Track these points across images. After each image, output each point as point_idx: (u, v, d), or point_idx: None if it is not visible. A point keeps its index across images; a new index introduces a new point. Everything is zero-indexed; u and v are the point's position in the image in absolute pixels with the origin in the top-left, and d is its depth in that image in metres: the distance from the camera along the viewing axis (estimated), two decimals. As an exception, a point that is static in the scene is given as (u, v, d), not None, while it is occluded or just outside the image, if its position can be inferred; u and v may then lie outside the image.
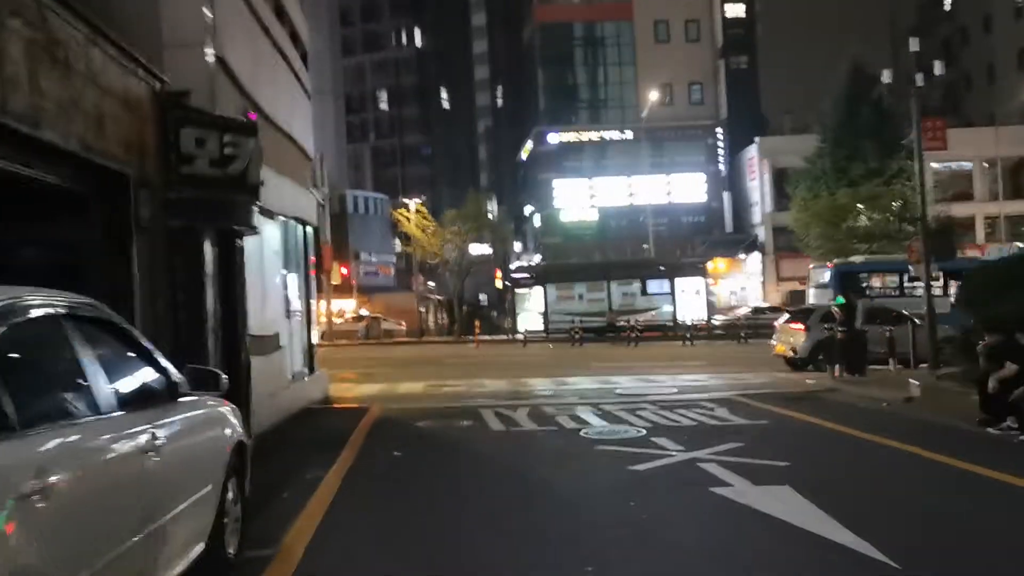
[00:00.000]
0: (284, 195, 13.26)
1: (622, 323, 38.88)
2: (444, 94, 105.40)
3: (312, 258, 17.06)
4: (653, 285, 41.69)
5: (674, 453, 8.80)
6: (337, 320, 48.67)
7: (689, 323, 36.11)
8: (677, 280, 41.74)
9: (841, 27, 62.80)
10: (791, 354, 21.21)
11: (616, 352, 31.26)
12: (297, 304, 15.02)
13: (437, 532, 6.02)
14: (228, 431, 5.08)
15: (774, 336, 22.56)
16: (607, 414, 12.19)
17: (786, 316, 22.85)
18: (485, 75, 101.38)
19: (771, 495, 6.73)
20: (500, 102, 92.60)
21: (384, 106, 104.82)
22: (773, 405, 12.94)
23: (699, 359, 26.24)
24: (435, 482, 7.72)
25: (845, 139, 44.91)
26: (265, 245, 11.94)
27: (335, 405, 15.02)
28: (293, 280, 14.83)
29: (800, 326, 21.11)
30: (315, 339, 16.46)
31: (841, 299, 18.84)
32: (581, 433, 10.46)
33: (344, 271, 50.36)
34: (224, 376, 4.77)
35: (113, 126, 6.98)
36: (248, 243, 10.67)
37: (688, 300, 41.64)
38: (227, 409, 5.22)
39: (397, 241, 60.06)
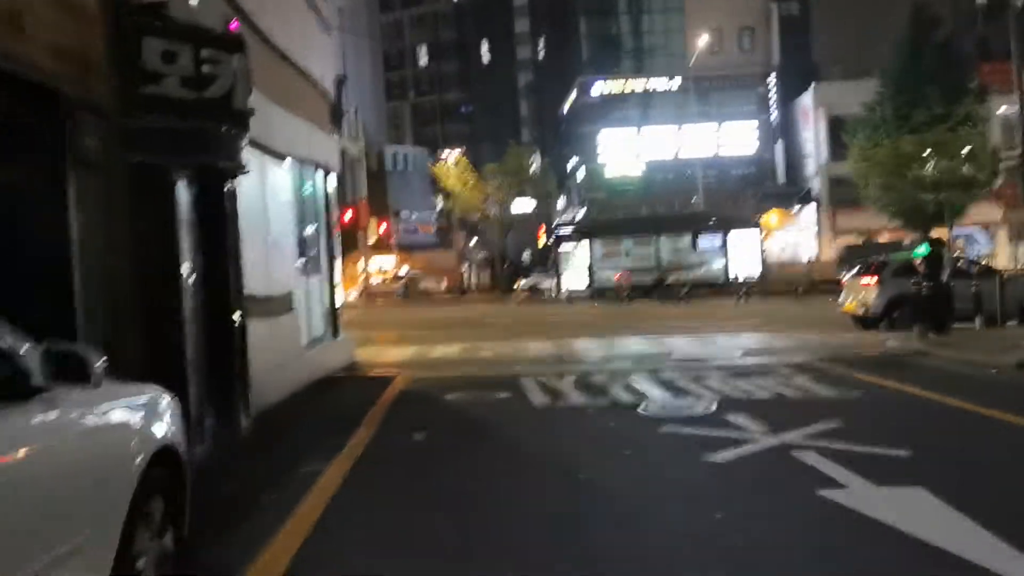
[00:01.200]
0: (295, 134, 11.66)
1: (672, 279, 37.04)
2: (484, 48, 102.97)
3: (336, 211, 15.53)
4: (704, 239, 39.65)
5: (758, 436, 7.11)
6: (376, 279, 47.44)
7: (743, 280, 34.05)
8: (730, 234, 39.58)
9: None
10: (862, 312, 19.27)
11: (666, 311, 29.46)
12: (317, 260, 13.49)
13: (456, 566, 4.43)
14: (137, 441, 3.46)
15: (842, 292, 20.60)
16: (667, 384, 10.52)
17: (856, 270, 20.84)
18: (525, 28, 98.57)
19: (906, 503, 5.04)
20: (541, 55, 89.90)
21: (423, 62, 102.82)
22: (858, 371, 11.15)
23: (757, 317, 24.39)
24: (458, 483, 6.10)
25: (907, 84, 42.21)
26: (270, 191, 10.37)
27: (359, 373, 13.53)
28: (311, 233, 13.29)
29: (872, 280, 19.14)
30: (340, 299, 14.96)
31: (925, 248, 16.82)
32: (640, 409, 8.81)
33: (383, 228, 49.02)
34: (96, 362, 3.14)
35: (37, 26, 5.38)
36: (246, 188, 9.10)
37: (741, 255, 39.52)
38: (146, 401, 3.62)
39: (439, 199, 58.46)
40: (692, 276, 35.77)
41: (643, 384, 10.53)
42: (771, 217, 49.27)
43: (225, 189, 7.75)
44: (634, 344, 16.82)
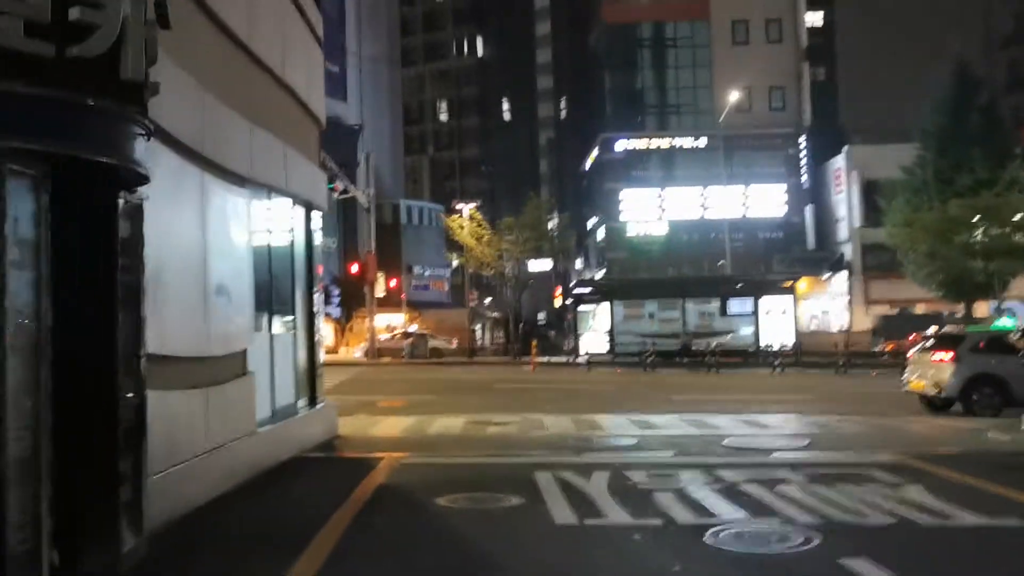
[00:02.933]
0: (263, 156, 9.29)
1: (698, 346, 34.37)
2: (505, 105, 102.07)
3: (321, 257, 13.11)
4: (734, 304, 37.00)
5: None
6: (384, 335, 44.91)
7: (777, 348, 31.27)
8: (761, 299, 36.94)
9: (922, 36, 57.90)
10: (933, 392, 16.59)
11: (696, 381, 26.77)
12: (290, 314, 11.01)
13: None
14: None
15: (908, 368, 17.91)
16: (731, 489, 7.88)
17: (926, 344, 18.15)
18: (548, 85, 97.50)
19: None
20: (563, 114, 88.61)
21: (444, 117, 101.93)
22: (981, 478, 8.47)
23: (801, 392, 21.67)
24: None
25: (950, 147, 39.97)
26: (216, 223, 7.91)
27: (336, 453, 10.94)
28: (284, 280, 10.84)
29: (947, 356, 16.46)
30: (320, 359, 12.44)
31: (1011, 320, 14.20)
32: (707, 538, 6.15)
33: (393, 283, 46.66)
34: None
35: None
36: (172, 213, 6.69)
37: (773, 322, 36.82)
38: None
39: (453, 255, 56.25)
40: (720, 343, 33.03)
41: (700, 489, 7.89)
42: (800, 284, 46.71)
43: (119, 204, 5.29)
44: (671, 424, 14.15)
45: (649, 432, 12.95)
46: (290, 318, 11.01)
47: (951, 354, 16.35)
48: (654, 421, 14.50)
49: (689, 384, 25.13)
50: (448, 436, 12.69)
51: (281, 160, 10.22)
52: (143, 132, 5.12)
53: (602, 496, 7.60)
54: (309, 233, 12.04)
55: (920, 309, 47.93)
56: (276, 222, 10.43)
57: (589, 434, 12.67)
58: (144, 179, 5.30)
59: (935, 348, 17.09)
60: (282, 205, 10.70)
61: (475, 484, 8.22)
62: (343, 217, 56.26)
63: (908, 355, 18.55)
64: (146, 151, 5.31)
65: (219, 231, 7.94)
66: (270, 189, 9.95)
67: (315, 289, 12.27)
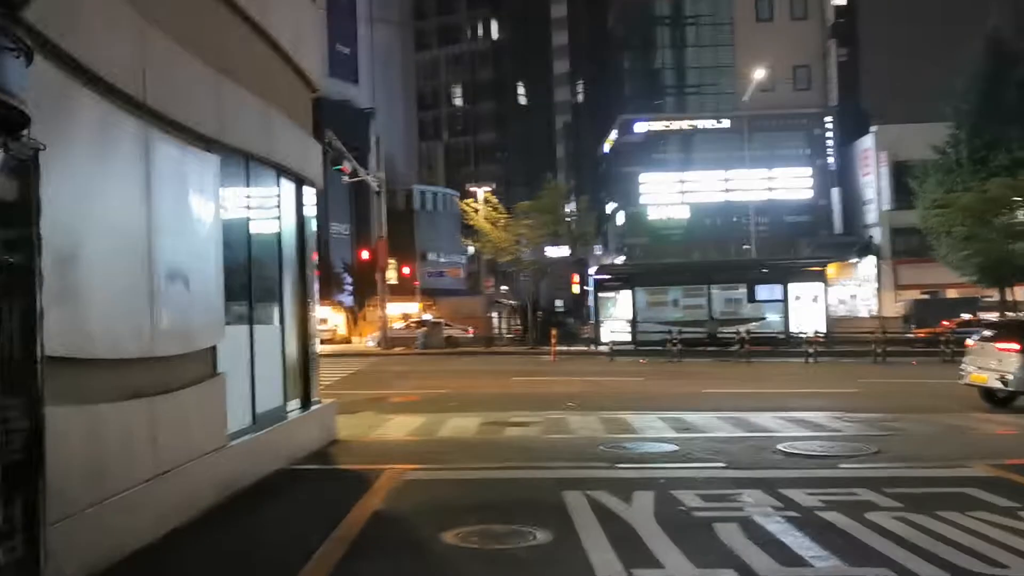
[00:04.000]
0: (236, 114, 7.78)
1: (726, 334, 32.72)
2: (521, 89, 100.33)
3: (313, 239, 11.65)
4: (762, 290, 35.26)
5: None
6: (398, 324, 43.50)
7: (810, 336, 29.55)
8: (790, 285, 35.19)
9: (948, 14, 55.88)
10: (998, 385, 14.93)
11: (726, 371, 25.18)
12: (275, 304, 9.53)
13: None
14: None
15: (966, 359, 16.25)
16: (810, 519, 6.35)
17: (987, 333, 16.49)
18: (564, 69, 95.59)
19: None
20: (580, 97, 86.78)
21: (458, 102, 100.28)
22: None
23: (842, 384, 20.07)
24: None
25: (985, 125, 38.10)
26: (167, 191, 6.40)
27: (330, 464, 9.46)
28: (269, 264, 9.36)
29: (1014, 346, 14.81)
30: (315, 354, 10.97)
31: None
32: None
33: (406, 271, 45.22)
34: None
35: None
36: (110, 171, 5.20)
37: (802, 308, 35.09)
38: None
39: (469, 242, 54.76)
40: (750, 330, 31.38)
41: (771, 519, 6.35)
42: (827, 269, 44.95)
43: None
44: (710, 424, 12.59)
45: (688, 435, 11.40)
46: (276, 308, 9.52)
47: (1018, 344, 14.71)
48: (691, 420, 12.96)
49: (720, 375, 23.55)
50: (461, 440, 11.19)
51: (261, 122, 8.72)
52: (14, 48, 3.61)
53: (650, 529, 6.06)
54: (301, 211, 10.55)
55: (951, 294, 46.16)
56: (257, 196, 8.92)
57: (621, 437, 11.13)
58: (24, 118, 3.79)
59: (999, 338, 15.44)
60: (265, 176, 9.19)
61: (491, 510, 6.71)
62: (355, 204, 54.89)
63: (968, 344, 16.88)
64: (42, 85, 3.82)
65: (173, 202, 6.43)
66: (248, 156, 8.44)
67: (310, 275, 10.81)
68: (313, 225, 11.06)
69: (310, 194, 10.92)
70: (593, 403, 16.02)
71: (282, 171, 9.64)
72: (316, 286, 11.21)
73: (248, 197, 8.53)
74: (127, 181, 5.68)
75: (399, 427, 12.64)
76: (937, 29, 52.32)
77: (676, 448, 10.11)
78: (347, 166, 30.93)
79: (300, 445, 9.77)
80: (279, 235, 9.64)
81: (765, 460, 9.26)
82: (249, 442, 7.97)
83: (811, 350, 28.60)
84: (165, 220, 6.21)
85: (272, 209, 9.47)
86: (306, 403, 10.55)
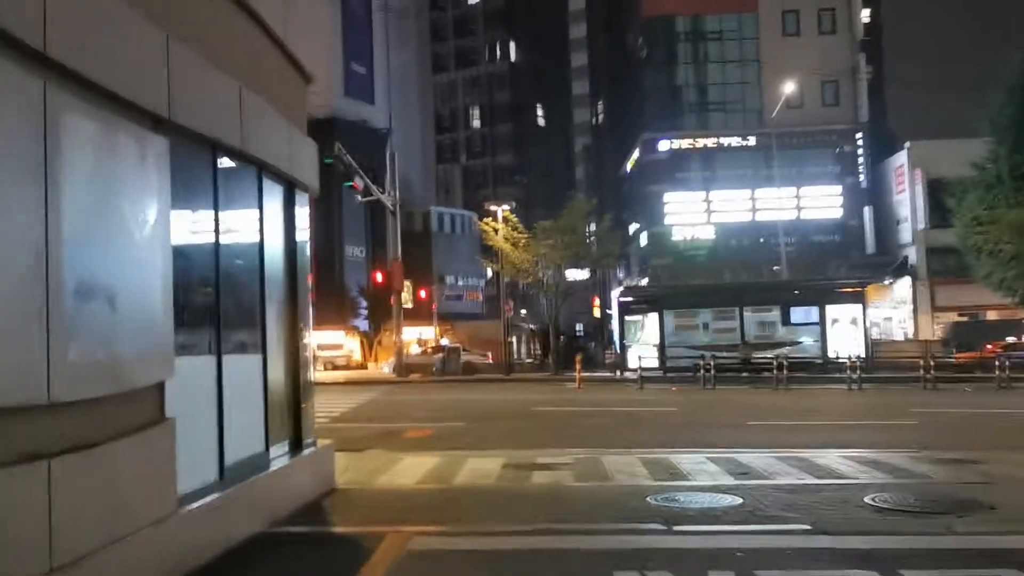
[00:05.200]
0: (203, 96, 6.17)
1: (759, 359, 30.88)
2: (540, 111, 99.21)
3: (308, 256, 10.05)
4: (798, 312, 33.38)
5: None
6: (414, 347, 41.86)
7: (853, 359, 27.63)
8: (828, 307, 33.30)
9: (976, 29, 54.13)
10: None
11: (765, 400, 23.33)
12: (256, 328, 7.89)
13: None
14: None
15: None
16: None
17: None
18: (583, 90, 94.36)
19: None
20: (600, 118, 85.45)
21: (476, 124, 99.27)
22: None
23: (897, 415, 18.21)
24: None
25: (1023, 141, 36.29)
26: (85, 173, 4.77)
27: (321, 526, 7.74)
28: (246, 283, 7.73)
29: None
30: (308, 388, 9.33)
31: None
32: None
33: (423, 294, 43.64)
34: None
35: None
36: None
37: (840, 331, 33.17)
38: None
39: (487, 263, 53.17)
40: (783, 355, 29.51)
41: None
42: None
43: None
44: (770, 466, 10.80)
45: (749, 481, 9.62)
46: (257, 333, 7.87)
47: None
48: (746, 461, 11.17)
49: (760, 405, 21.70)
50: (480, 490, 9.46)
51: (238, 108, 7.11)
52: None
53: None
54: (291, 219, 8.94)
55: (991, 316, 44.13)
56: (229, 197, 7.28)
57: (670, 486, 9.36)
58: None
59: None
60: (240, 174, 7.57)
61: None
62: (371, 226, 53.55)
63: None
64: None
65: (90, 195, 4.79)
66: (215, 146, 6.82)
67: (303, 294, 9.19)
68: (307, 236, 9.45)
69: (303, 201, 9.32)
70: (629, 439, 14.27)
71: (265, 170, 8.03)
72: (310, 309, 9.58)
73: (215, 198, 6.89)
74: (7, 162, 4.05)
75: (410, 470, 10.93)
76: (964, 43, 50.70)
77: (740, 501, 8.33)
78: (358, 182, 29.43)
79: (287, 498, 8.09)
80: (260, 246, 8.00)
81: (858, 519, 7.47)
82: (212, 504, 6.28)
83: (854, 376, 26.71)
84: (76, 218, 4.57)
85: (250, 214, 7.83)
86: (296, 446, 8.88)
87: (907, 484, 9.36)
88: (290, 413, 8.82)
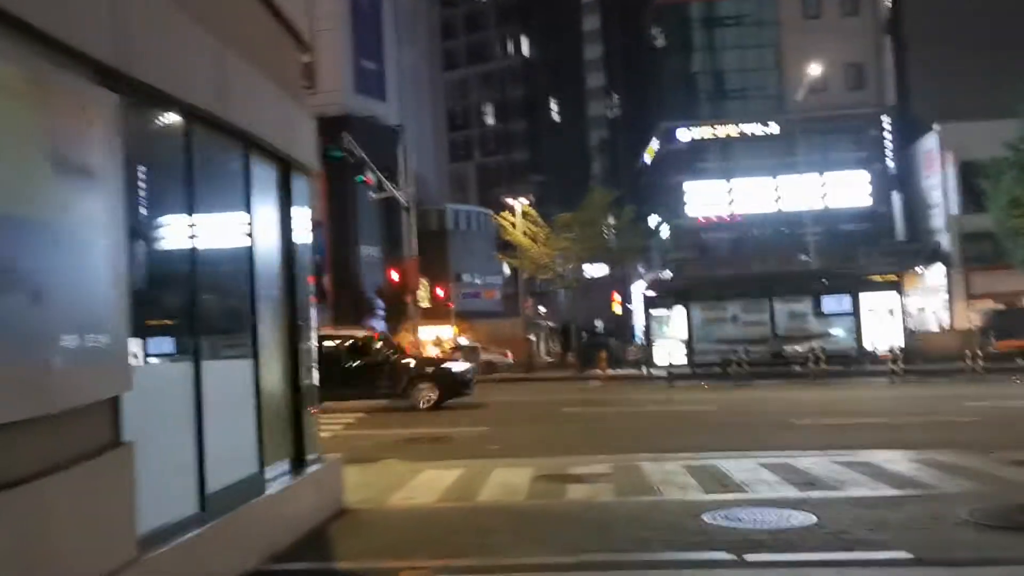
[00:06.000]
0: (161, 45, 5.02)
1: (791, 352, 29.61)
2: (554, 105, 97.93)
3: (311, 248, 8.88)
4: (830, 302, 32.01)
5: None
6: (431, 348, 40.72)
7: (895, 351, 26.31)
8: (862, 296, 31.92)
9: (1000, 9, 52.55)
10: None
11: (804, 396, 22.01)
12: (250, 332, 6.76)
13: None
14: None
15: None
16: None
17: None
18: (598, 83, 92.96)
19: None
20: (616, 111, 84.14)
21: (490, 120, 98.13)
22: None
23: (951, 411, 16.90)
24: None
25: (1061, 117, 34.85)
26: (22, 131, 3.65)
27: (325, 560, 6.60)
28: (231, 273, 6.60)
29: None
30: (312, 392, 8.21)
31: None
32: None
33: (440, 293, 42.49)
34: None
35: None
36: None
37: (876, 321, 31.80)
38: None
39: (505, 265, 51.92)
40: (821, 346, 28.18)
41: None
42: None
43: None
44: (833, 470, 9.60)
45: (817, 493, 8.41)
46: (247, 337, 6.74)
47: None
48: (806, 468, 9.97)
49: (800, 401, 20.40)
50: (509, 508, 8.29)
51: (218, 70, 5.98)
52: None
53: None
54: (287, 206, 7.81)
55: (1029, 302, 42.59)
56: (207, 175, 6.14)
57: (726, 500, 8.17)
58: None
59: None
60: (222, 149, 6.44)
61: None
62: (387, 226, 52.45)
63: None
64: None
65: (4, 158, 3.66)
66: (190, 113, 5.68)
67: (303, 291, 8.07)
68: (307, 224, 8.32)
69: (301, 184, 8.18)
70: (667, 443, 13.07)
71: (252, 145, 6.89)
72: (311, 306, 8.46)
73: (189, 174, 5.75)
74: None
75: (428, 485, 9.78)
76: (990, 23, 49.13)
77: (815, 519, 7.12)
78: (371, 177, 28.33)
79: (289, 526, 6.97)
80: (250, 235, 6.87)
81: (963, 542, 6.27)
82: (188, 543, 5.14)
83: (895, 368, 25.37)
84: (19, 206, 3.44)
85: (235, 197, 6.70)
86: (299, 463, 7.75)
87: (999, 493, 8.13)
88: (290, 426, 7.69)
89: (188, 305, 5.66)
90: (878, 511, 7.43)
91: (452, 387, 20.52)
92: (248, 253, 6.83)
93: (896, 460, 10.45)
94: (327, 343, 19.61)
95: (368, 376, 20.36)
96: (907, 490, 8.49)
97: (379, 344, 21.67)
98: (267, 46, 7.56)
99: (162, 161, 5.65)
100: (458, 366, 21.93)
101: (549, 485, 9.51)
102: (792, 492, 8.54)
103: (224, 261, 6.53)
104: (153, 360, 5.19)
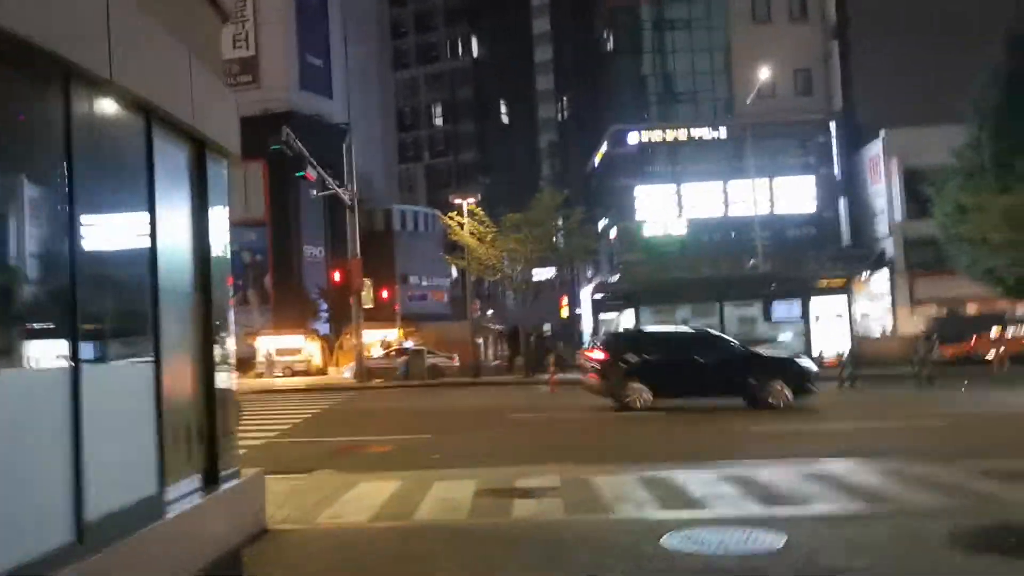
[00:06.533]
0: (63, 6, 4.13)
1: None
2: (503, 107, 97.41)
3: (227, 238, 7.85)
4: (780, 307, 31.78)
5: None
6: (377, 350, 39.77)
7: (846, 357, 26.02)
8: (812, 301, 31.72)
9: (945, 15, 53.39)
10: None
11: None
12: (147, 333, 5.88)
13: None
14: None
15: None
16: None
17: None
18: (548, 86, 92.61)
19: None
20: (566, 114, 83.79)
21: (439, 122, 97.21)
22: None
23: (910, 416, 16.54)
24: None
25: (1009, 126, 35.01)
26: None
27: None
28: (122, 264, 5.72)
29: None
30: (229, 398, 7.34)
31: None
32: None
33: (385, 294, 41.53)
34: None
35: None
36: None
37: (825, 326, 31.63)
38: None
39: (453, 268, 51.02)
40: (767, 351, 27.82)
41: None
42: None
43: None
44: (798, 485, 8.99)
45: (783, 510, 7.76)
46: (147, 337, 5.85)
47: None
48: (768, 481, 9.33)
49: (753, 408, 19.89)
50: (449, 528, 7.50)
51: (101, 19, 5.09)
52: None
53: None
54: (201, 193, 6.93)
55: (973, 309, 42.99)
56: (99, 150, 5.25)
57: (688, 519, 7.47)
58: None
59: None
60: (116, 120, 5.55)
61: None
62: (331, 226, 51.30)
63: None
64: None
65: None
66: (68, 73, 4.80)
67: (219, 288, 7.20)
68: (224, 214, 7.44)
69: (219, 169, 7.32)
70: (621, 453, 12.41)
71: (155, 119, 6.00)
72: (230, 305, 7.61)
73: (67, 145, 4.86)
74: None
75: (363, 500, 8.95)
76: (937, 27, 49.71)
77: (784, 539, 6.45)
78: (311, 172, 27.30)
79: (196, 552, 6.10)
80: (152, 223, 5.98)
81: (950, 568, 5.65)
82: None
83: (844, 374, 25.09)
84: None
85: (130, 177, 5.82)
86: (211, 480, 6.87)
87: (976, 509, 7.57)
88: (201, 437, 6.81)
89: (66, 303, 4.77)
90: (849, 529, 6.81)
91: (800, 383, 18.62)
92: (149, 244, 5.94)
93: (859, 471, 9.89)
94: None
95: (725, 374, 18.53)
96: (877, 505, 7.89)
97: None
98: (178, 7, 6.69)
99: (35, 132, 4.77)
100: (805, 362, 19.98)
101: (494, 500, 8.74)
102: (756, 509, 7.89)
103: (117, 253, 5.66)
104: (9, 365, 4.31)
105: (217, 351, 7.09)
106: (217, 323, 7.13)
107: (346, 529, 7.61)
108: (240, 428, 17.08)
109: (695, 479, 9.50)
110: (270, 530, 7.45)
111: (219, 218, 7.27)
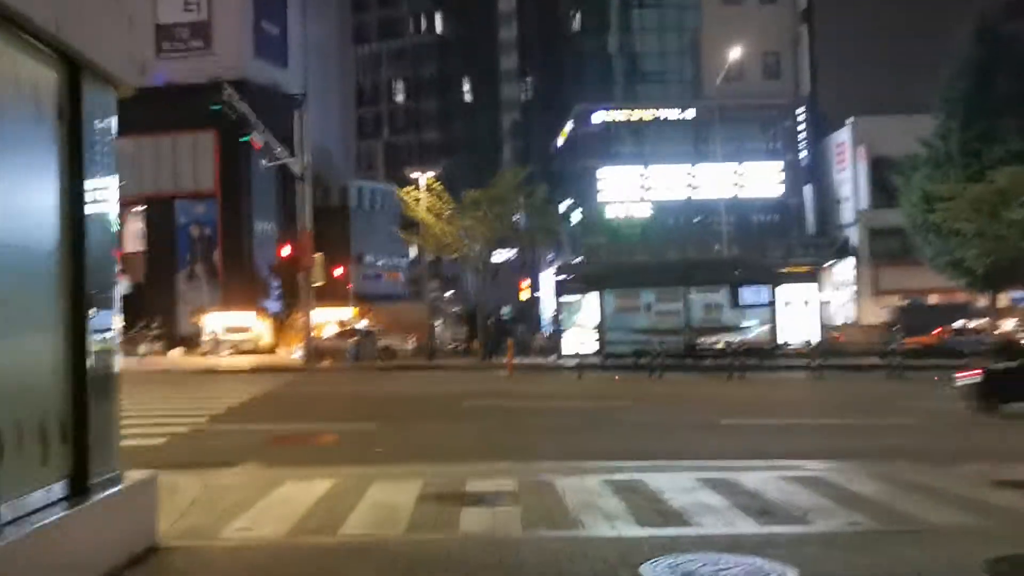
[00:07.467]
0: None
1: (708, 344, 28.27)
2: (466, 85, 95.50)
3: (116, 192, 6.33)
4: (748, 293, 30.75)
5: None
6: (329, 329, 38.13)
7: (808, 347, 25.13)
8: (780, 288, 30.75)
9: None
10: None
11: (727, 392, 20.50)
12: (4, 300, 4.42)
13: None
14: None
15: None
16: None
17: None
18: (512, 65, 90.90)
19: None
20: (530, 94, 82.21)
21: (400, 98, 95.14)
22: None
23: (885, 411, 15.54)
24: None
25: (976, 116, 34.52)
26: None
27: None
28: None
29: None
30: (110, 384, 5.91)
31: None
32: None
33: (339, 272, 39.90)
34: None
35: None
36: None
37: (792, 314, 30.71)
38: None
39: (413, 248, 49.34)
40: (743, 341, 26.89)
41: None
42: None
43: None
44: (789, 492, 7.78)
45: (782, 529, 6.53)
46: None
47: None
48: (752, 487, 8.10)
49: (721, 399, 18.83)
50: (381, 550, 6.15)
51: None
52: None
53: None
54: (73, 130, 5.47)
55: (934, 299, 42.56)
56: None
57: (666, 537, 6.21)
58: None
59: None
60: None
61: None
62: (283, 201, 49.37)
63: None
64: None
65: None
66: None
67: (94, 253, 5.75)
68: (110, 161, 5.99)
69: (101, 100, 5.85)
70: (582, 447, 11.16)
71: (6, 28, 4.54)
72: (114, 275, 6.17)
73: None
74: None
75: (285, 506, 7.56)
76: (905, 16, 49.10)
77: (786, 569, 5.22)
78: (256, 139, 25.64)
79: (49, 582, 4.70)
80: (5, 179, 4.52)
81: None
82: None
83: (814, 364, 24.17)
84: None
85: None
86: (80, 486, 5.45)
87: (1002, 529, 6.42)
88: (66, 435, 5.37)
89: None
90: (868, 556, 5.60)
91: None
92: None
93: (854, 476, 8.74)
94: None
95: None
96: (888, 523, 6.69)
97: None
98: None
99: None
100: None
101: (439, 508, 7.41)
102: (750, 526, 6.65)
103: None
104: None
105: (93, 327, 5.66)
106: (94, 292, 5.70)
107: (255, 548, 6.22)
108: (165, 412, 15.53)
109: (679, 489, 8.26)
110: (160, 548, 6.04)
111: (102, 164, 5.83)
